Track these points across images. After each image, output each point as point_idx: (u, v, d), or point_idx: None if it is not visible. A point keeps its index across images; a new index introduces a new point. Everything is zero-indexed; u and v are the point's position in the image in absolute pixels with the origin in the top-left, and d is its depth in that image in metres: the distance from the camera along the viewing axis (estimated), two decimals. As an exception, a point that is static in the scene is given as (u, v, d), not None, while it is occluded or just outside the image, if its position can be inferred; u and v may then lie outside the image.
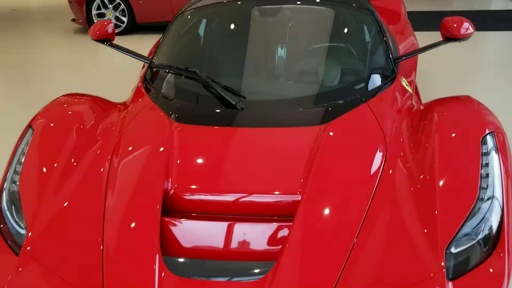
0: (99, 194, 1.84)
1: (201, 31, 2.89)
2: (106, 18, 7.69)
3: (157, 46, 2.88)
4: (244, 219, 1.78)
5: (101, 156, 2.02)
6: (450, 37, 2.64)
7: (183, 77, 2.41)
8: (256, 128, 2.09)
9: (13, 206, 1.85)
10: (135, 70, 5.46)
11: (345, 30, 2.81)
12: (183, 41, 2.86)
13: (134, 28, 7.79)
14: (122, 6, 7.60)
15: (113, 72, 5.95)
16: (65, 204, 1.82)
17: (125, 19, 7.68)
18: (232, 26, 2.85)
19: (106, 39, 2.91)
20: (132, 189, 1.85)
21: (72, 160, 1.99)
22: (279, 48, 2.63)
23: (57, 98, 2.40)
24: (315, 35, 2.75)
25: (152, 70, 2.63)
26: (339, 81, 2.44)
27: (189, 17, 2.91)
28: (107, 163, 1.97)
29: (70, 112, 2.30)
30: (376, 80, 2.45)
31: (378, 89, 2.38)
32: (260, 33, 2.78)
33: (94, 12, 7.66)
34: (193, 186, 1.86)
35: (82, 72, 6.08)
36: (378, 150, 1.94)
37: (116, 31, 7.68)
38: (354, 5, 2.84)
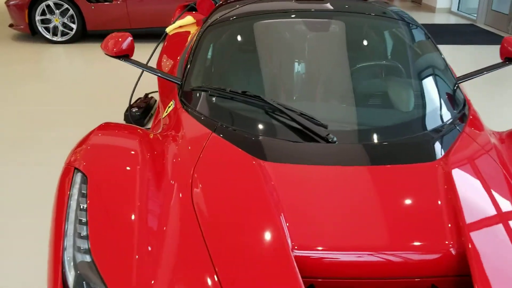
0: (198, 250, 1.45)
1: (249, 46, 2.51)
2: (52, 24, 6.96)
3: (186, 63, 2.48)
4: (383, 284, 1.46)
5: (182, 203, 1.60)
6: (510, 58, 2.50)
7: (247, 103, 2.07)
8: (365, 167, 1.76)
9: (84, 283, 1.40)
10: (85, 83, 4.89)
11: (412, 50, 2.51)
12: (227, 58, 2.49)
13: (84, 36, 7.13)
14: (71, 11, 6.91)
15: (63, 85, 5.23)
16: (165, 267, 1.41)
17: (74, 26, 6.99)
18: (285, 41, 2.47)
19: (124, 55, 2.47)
20: (244, 234, 1.49)
21: (148, 209, 1.56)
22: (348, 68, 2.32)
23: (93, 131, 1.94)
24: (381, 54, 2.50)
25: (197, 94, 2.24)
26: (422, 107, 2.17)
27: (226, 28, 2.54)
28: (193, 209, 1.57)
29: (119, 148, 1.84)
30: (455, 103, 2.24)
31: (462, 113, 2.17)
32: (316, 49, 2.44)
33: (38, 17, 6.89)
34: (319, 248, 1.49)
35: (26, 87, 5.22)
36: (505, 183, 1.73)
37: (63, 39, 7.19)
38: (410, 23, 2.59)
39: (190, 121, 2.10)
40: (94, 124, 3.61)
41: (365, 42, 2.52)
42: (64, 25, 7.00)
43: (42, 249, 2.50)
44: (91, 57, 6.36)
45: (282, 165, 1.76)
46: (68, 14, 6.93)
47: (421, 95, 2.24)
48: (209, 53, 2.48)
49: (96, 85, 5.18)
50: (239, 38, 2.52)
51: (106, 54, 2.46)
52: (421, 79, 2.34)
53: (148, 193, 1.62)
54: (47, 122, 4.13)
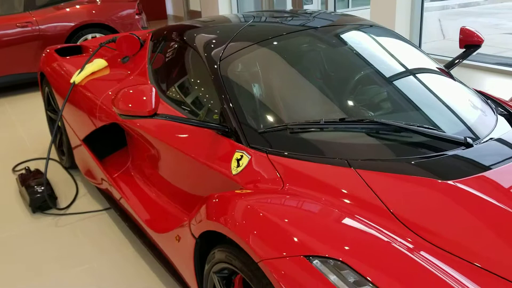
0: None
1: (289, 71, 2.37)
2: None
3: (227, 107, 2.11)
4: None
5: None
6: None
7: (350, 129, 1.94)
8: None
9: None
10: None
11: (416, 50, 2.65)
12: (277, 88, 2.27)
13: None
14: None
15: None
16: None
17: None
18: (318, 59, 2.42)
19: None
20: None
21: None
22: (400, 73, 2.40)
23: None
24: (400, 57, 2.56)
25: (283, 134, 1.96)
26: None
27: (246, 59, 2.33)
28: None
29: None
30: None
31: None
32: (350, 61, 2.45)
33: None
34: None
35: None
36: None
37: None
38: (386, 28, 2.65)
39: (309, 166, 1.81)
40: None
41: (386, 48, 2.54)
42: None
43: None
44: None
45: (465, 180, 1.68)
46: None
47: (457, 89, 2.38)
48: (247, 88, 2.24)
49: None
50: (274, 65, 2.37)
51: (130, 116, 1.97)
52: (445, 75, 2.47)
53: None
54: None
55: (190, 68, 2.59)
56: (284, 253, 1.34)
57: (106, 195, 3.08)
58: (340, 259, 1.31)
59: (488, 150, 1.87)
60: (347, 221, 1.48)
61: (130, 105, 1.96)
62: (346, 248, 1.35)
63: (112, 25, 6.39)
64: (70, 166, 3.73)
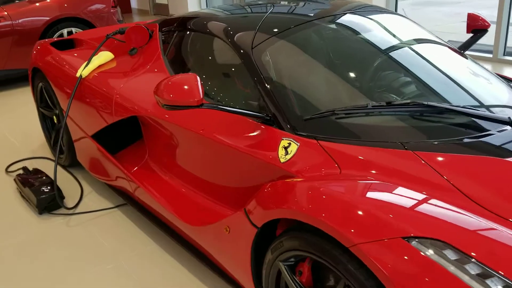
0: None
1: (323, 56, 2.38)
2: None
3: (267, 96, 2.10)
4: None
5: None
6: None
7: (398, 113, 1.97)
8: None
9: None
10: None
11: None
12: (316, 73, 2.28)
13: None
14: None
15: None
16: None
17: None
18: (345, 43, 2.48)
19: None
20: None
21: None
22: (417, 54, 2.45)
23: None
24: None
25: (331, 120, 1.97)
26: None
27: (278, 45, 2.30)
28: None
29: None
30: None
31: None
32: (373, 43, 2.46)
33: None
34: None
35: None
36: None
37: None
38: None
39: (364, 151, 1.81)
40: None
41: (397, 28, 2.60)
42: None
43: None
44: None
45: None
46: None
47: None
48: (284, 75, 2.19)
49: None
50: (307, 51, 2.37)
51: (176, 107, 1.93)
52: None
53: None
54: None
55: (217, 58, 2.54)
56: (381, 236, 1.35)
57: (119, 191, 3.00)
58: (439, 238, 1.33)
59: None
60: (428, 201, 1.50)
61: (175, 96, 1.91)
62: (440, 227, 1.37)
63: (87, 18, 6.18)
64: (70, 164, 3.60)
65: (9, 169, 3.75)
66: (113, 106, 2.73)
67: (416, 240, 1.32)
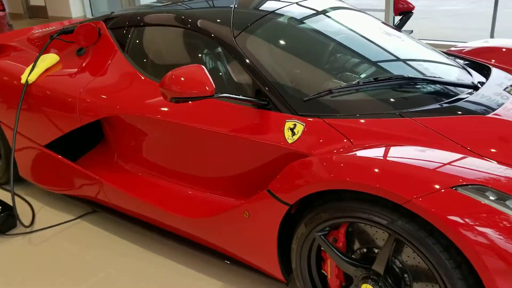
0: None
1: (308, 41, 2.48)
2: None
3: (263, 82, 2.15)
4: None
5: None
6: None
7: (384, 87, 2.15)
8: None
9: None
10: None
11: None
12: (304, 55, 2.38)
13: None
14: None
15: None
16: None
17: None
18: (323, 28, 2.59)
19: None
20: None
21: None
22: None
23: None
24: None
25: (327, 99, 2.09)
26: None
27: (261, 32, 2.39)
28: None
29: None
30: None
31: None
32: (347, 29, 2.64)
33: None
34: None
35: None
36: None
37: None
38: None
39: (367, 122, 1.96)
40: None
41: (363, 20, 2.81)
42: None
43: None
44: None
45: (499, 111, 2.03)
46: None
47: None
48: (275, 60, 2.29)
49: None
50: (290, 35, 2.48)
51: (188, 98, 1.94)
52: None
53: None
54: None
55: (194, 50, 2.52)
56: (433, 189, 1.50)
57: (82, 200, 2.83)
58: (479, 183, 1.52)
59: (489, 90, 2.23)
60: (451, 156, 1.70)
61: (185, 87, 1.90)
62: (473, 175, 1.57)
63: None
64: (6, 181, 3.30)
65: None
66: (78, 110, 2.57)
67: (461, 187, 1.50)
